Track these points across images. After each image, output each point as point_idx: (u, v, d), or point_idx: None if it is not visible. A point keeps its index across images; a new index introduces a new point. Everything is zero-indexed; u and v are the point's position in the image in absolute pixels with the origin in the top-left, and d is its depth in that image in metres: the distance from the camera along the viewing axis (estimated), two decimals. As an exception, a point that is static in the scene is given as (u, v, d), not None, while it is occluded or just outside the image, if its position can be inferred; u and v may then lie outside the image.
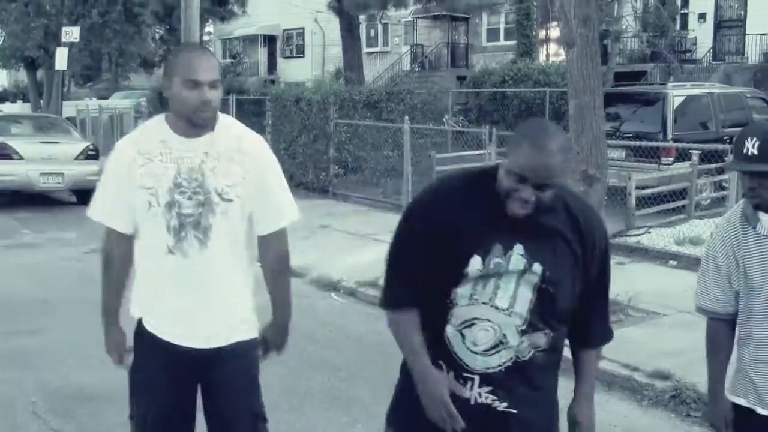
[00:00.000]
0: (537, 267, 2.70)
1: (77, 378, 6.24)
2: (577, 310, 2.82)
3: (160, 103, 22.13)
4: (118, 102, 31.14)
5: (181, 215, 3.14)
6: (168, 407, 3.30)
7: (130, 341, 3.40)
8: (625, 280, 8.90)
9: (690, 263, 9.78)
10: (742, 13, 27.88)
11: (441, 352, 2.76)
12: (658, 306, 7.96)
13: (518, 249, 2.70)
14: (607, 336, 3.00)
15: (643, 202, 11.85)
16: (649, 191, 11.94)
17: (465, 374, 2.74)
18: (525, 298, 2.71)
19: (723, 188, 12.72)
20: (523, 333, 2.72)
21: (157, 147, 3.17)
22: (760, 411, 3.17)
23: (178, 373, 3.26)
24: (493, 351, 2.72)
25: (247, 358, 3.37)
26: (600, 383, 6.30)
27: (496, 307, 2.71)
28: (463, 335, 2.73)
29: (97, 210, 3.31)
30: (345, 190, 16.29)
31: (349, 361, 6.81)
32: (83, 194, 15.95)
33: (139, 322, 3.31)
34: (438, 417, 2.71)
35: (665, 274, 9.52)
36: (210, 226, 3.16)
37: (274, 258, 3.38)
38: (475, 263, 2.69)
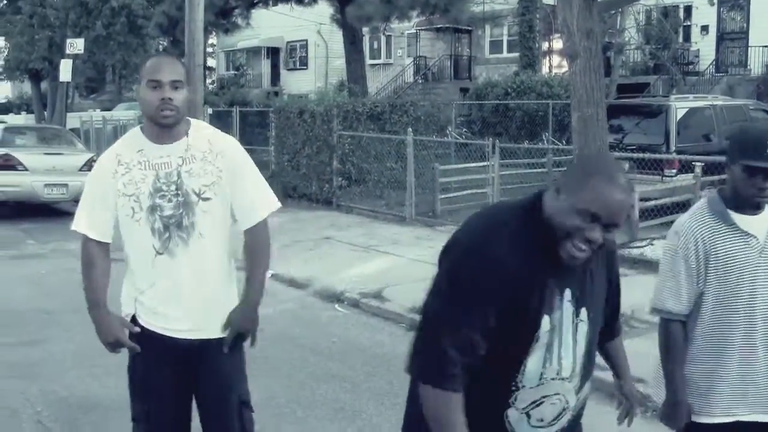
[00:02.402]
0: (583, 313, 2.47)
1: (81, 388, 6.26)
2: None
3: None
4: (122, 113, 31.20)
5: (164, 217, 3.37)
6: (169, 400, 3.51)
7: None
8: (629, 291, 8.84)
9: (693, 275, 9.78)
10: (745, 25, 27.93)
11: None
12: (661, 318, 7.93)
13: (567, 295, 2.43)
14: (620, 326, 2.94)
15: (647, 213, 11.85)
16: (652, 203, 11.95)
17: None
18: (581, 354, 2.50)
19: (726, 200, 12.71)
20: (578, 391, 2.54)
21: (135, 156, 3.39)
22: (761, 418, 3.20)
23: (174, 363, 3.47)
24: (556, 420, 2.52)
25: (236, 349, 3.58)
26: (604, 394, 6.31)
27: (562, 379, 2.47)
28: (529, 416, 2.47)
29: (80, 223, 3.47)
30: (348, 201, 16.30)
31: (353, 372, 6.81)
32: (87, 205, 16.01)
33: (133, 318, 3.50)
34: None
35: (668, 286, 9.48)
36: (192, 225, 3.39)
37: (254, 247, 3.56)
38: (546, 323, 2.38)
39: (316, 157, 16.87)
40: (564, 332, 2.42)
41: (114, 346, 3.50)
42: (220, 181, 3.43)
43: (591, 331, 2.51)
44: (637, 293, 8.77)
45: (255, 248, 3.58)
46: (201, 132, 3.51)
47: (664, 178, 12.92)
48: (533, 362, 2.40)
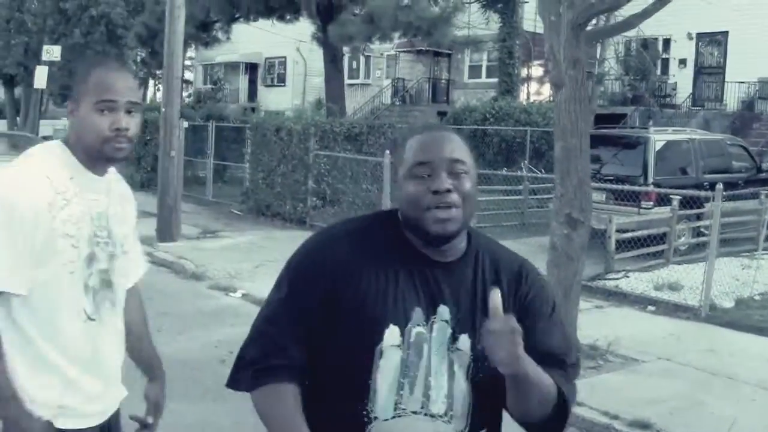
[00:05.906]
0: (464, 340, 2.03)
1: None
2: None
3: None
4: (96, 123, 30.97)
5: (100, 272, 2.52)
6: None
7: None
8: (604, 324, 8.84)
9: (668, 309, 9.73)
10: (722, 60, 28.19)
11: None
12: (637, 352, 7.86)
13: (442, 313, 2.02)
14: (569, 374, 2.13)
15: (623, 245, 11.81)
16: (628, 235, 11.90)
17: None
18: (462, 391, 2.04)
19: (701, 234, 12.71)
20: None
21: (70, 185, 2.47)
22: None
23: None
24: None
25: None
26: (578, 431, 6.19)
27: (431, 416, 2.01)
28: None
29: (5, 275, 2.37)
30: (322, 222, 16.09)
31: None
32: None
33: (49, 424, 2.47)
34: None
35: (644, 320, 9.44)
36: (116, 285, 2.60)
37: (140, 307, 2.89)
38: (392, 336, 1.99)
39: (291, 176, 16.70)
40: (433, 356, 2.01)
41: None
42: (129, 232, 2.72)
43: (481, 368, 2.03)
44: (612, 326, 8.73)
45: (140, 308, 2.88)
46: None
47: (640, 210, 12.89)
48: (384, 386, 1.99)
